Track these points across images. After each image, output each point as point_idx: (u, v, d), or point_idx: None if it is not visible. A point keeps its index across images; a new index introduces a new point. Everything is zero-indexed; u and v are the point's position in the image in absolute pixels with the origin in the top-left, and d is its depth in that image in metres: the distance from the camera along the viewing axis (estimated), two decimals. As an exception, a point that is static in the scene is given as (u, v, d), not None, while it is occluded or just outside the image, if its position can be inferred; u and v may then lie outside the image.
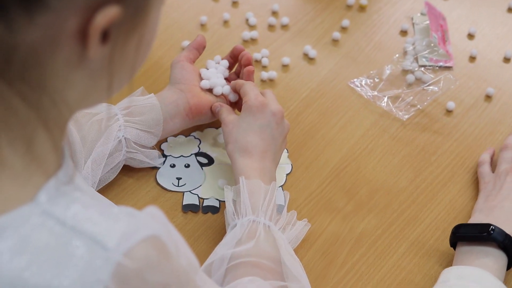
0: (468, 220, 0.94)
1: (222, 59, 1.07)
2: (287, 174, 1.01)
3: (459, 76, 1.14)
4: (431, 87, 1.12)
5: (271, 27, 1.20)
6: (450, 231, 0.92)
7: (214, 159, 1.03)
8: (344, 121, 1.08)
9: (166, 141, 1.04)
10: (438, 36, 1.17)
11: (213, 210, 0.98)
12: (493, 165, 1.01)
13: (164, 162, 1.02)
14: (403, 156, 1.04)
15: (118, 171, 0.98)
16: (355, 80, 1.13)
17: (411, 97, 1.10)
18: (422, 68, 1.14)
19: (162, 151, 1.03)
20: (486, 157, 1.02)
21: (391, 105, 1.09)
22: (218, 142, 1.04)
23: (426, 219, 0.98)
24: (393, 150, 1.05)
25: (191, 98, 1.00)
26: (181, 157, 1.03)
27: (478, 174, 1.01)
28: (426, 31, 1.19)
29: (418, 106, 1.10)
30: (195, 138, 1.05)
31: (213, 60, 1.06)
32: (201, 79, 1.03)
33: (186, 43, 1.16)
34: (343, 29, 1.20)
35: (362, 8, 1.22)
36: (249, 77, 1.02)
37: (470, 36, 1.19)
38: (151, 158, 0.99)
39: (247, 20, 1.20)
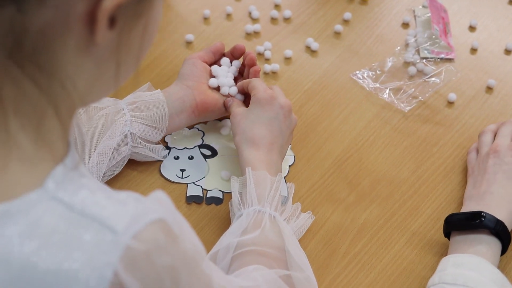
0: (461, 208, 0.95)
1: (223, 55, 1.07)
2: (290, 166, 1.02)
3: (461, 68, 1.15)
4: (432, 79, 1.12)
5: (273, 20, 1.20)
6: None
7: (218, 151, 1.04)
8: (346, 113, 1.09)
9: (170, 133, 1.04)
10: (439, 28, 1.17)
11: (217, 201, 0.99)
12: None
13: (168, 154, 1.02)
14: (404, 147, 1.05)
15: (123, 166, 0.99)
16: (357, 72, 1.13)
17: (413, 89, 1.11)
18: (424, 60, 1.15)
19: (166, 143, 1.04)
20: (474, 145, 1.03)
21: (392, 97, 1.10)
22: (221, 134, 1.05)
23: (427, 210, 0.98)
24: (394, 141, 1.06)
25: (198, 95, 1.01)
26: (185, 149, 1.03)
27: (466, 162, 1.02)
28: (428, 23, 1.19)
29: (420, 98, 1.10)
30: (198, 130, 1.06)
31: (222, 62, 1.07)
32: (211, 76, 1.04)
33: (189, 36, 1.17)
34: (345, 21, 1.20)
35: (364, 1, 1.23)
36: (255, 77, 1.03)
37: (471, 28, 1.20)
38: (156, 152, 1.00)
39: (250, 13, 1.21)
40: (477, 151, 1.01)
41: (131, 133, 0.97)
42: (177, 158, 1.02)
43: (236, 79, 1.06)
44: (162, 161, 1.02)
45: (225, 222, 0.96)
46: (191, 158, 1.03)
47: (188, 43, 1.17)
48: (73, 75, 0.58)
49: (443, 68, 1.14)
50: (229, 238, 0.87)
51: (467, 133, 1.07)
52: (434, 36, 1.17)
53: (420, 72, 1.13)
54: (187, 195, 0.99)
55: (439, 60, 1.15)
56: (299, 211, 0.94)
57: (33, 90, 0.57)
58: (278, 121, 0.95)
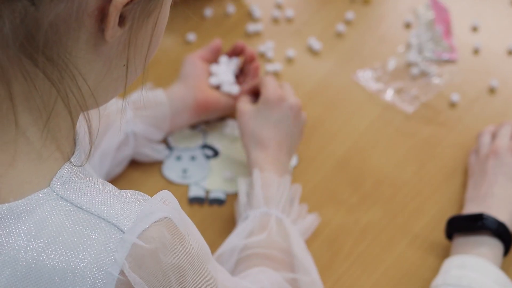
0: (462, 210, 0.95)
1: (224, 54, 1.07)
2: (293, 167, 1.02)
3: (463, 68, 1.14)
4: (435, 79, 1.12)
5: (275, 19, 1.20)
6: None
7: (220, 151, 1.03)
8: (349, 114, 1.08)
9: (171, 133, 1.04)
10: (442, 29, 1.17)
11: (219, 202, 0.98)
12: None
13: (169, 154, 1.02)
14: (407, 148, 1.05)
15: (125, 165, 0.99)
16: (360, 72, 1.13)
17: (415, 90, 1.11)
18: (426, 61, 1.14)
19: (167, 143, 1.03)
20: (475, 147, 1.03)
21: (395, 97, 1.10)
22: (224, 134, 1.05)
23: (430, 211, 0.98)
24: (397, 142, 1.05)
25: (199, 94, 1.00)
26: (187, 149, 1.03)
27: (467, 164, 1.02)
28: (430, 24, 1.19)
29: (422, 98, 1.10)
30: (200, 130, 1.05)
31: (221, 59, 1.06)
32: (211, 75, 1.04)
33: (190, 36, 1.17)
34: (348, 22, 1.20)
35: (366, 1, 1.23)
36: (256, 74, 1.03)
37: (474, 29, 1.20)
38: (158, 152, 1.00)
39: (251, 12, 1.20)
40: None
41: (133, 132, 0.96)
42: (179, 158, 1.02)
43: (237, 77, 1.06)
44: (164, 161, 1.01)
45: (228, 223, 0.96)
46: (193, 158, 1.02)
47: (189, 42, 1.17)
48: (83, 72, 0.59)
49: (446, 69, 1.14)
50: (234, 240, 0.86)
51: (469, 134, 1.06)
52: (436, 37, 1.17)
53: (423, 73, 1.13)
54: (189, 196, 0.99)
55: (441, 61, 1.15)
56: (305, 212, 0.94)
57: (44, 84, 0.57)
58: (287, 122, 0.94)
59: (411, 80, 1.12)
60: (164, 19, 0.63)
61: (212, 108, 1.02)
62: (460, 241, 0.90)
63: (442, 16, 1.19)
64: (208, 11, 1.20)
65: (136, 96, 0.98)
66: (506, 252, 0.90)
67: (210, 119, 1.05)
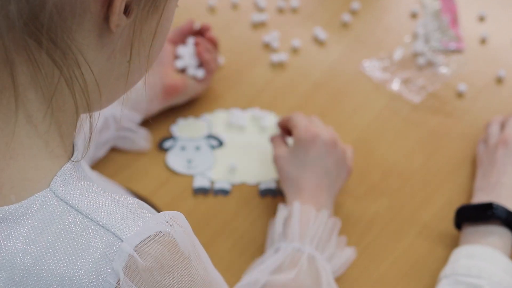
0: (471, 200, 0.94)
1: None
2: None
3: (470, 58, 1.13)
4: (442, 69, 1.11)
5: (280, 9, 1.19)
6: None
7: (225, 141, 1.02)
8: (355, 104, 1.07)
9: (176, 123, 1.03)
10: (448, 18, 1.16)
11: (224, 192, 0.97)
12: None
13: (174, 144, 1.01)
14: (414, 139, 1.04)
15: (108, 150, 0.99)
16: (366, 62, 1.12)
17: (422, 80, 1.10)
18: (433, 51, 1.13)
19: (171, 133, 1.02)
20: (483, 136, 1.02)
21: (402, 88, 1.09)
22: (229, 124, 1.04)
23: (438, 201, 0.97)
24: (404, 132, 1.04)
25: (165, 79, 1.00)
26: (192, 139, 1.02)
27: (476, 154, 1.01)
28: (437, 13, 1.18)
29: (429, 88, 1.09)
30: (205, 119, 1.04)
31: (189, 40, 1.06)
32: (177, 58, 1.04)
33: (194, 25, 1.15)
34: (353, 11, 1.19)
35: (372, -9, 1.22)
36: (214, 44, 1.04)
37: (481, 18, 1.18)
38: (139, 136, 0.99)
39: (256, 3, 1.19)
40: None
41: (113, 115, 0.96)
42: (183, 148, 1.01)
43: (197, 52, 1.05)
44: (168, 151, 1.00)
45: (233, 214, 0.95)
46: (198, 148, 1.01)
47: (194, 32, 1.16)
48: (88, 60, 0.58)
49: (453, 59, 1.12)
50: (259, 274, 0.83)
51: (477, 124, 1.05)
52: (443, 27, 1.15)
53: (430, 63, 1.12)
54: (194, 187, 0.98)
55: (448, 50, 1.14)
56: (344, 245, 0.90)
57: (49, 72, 0.56)
58: (322, 161, 0.90)
59: (418, 70, 1.11)
60: (170, 18, 0.62)
61: (181, 92, 1.02)
62: (470, 230, 0.89)
63: (449, 6, 1.18)
64: (213, 1, 1.19)
65: None
66: None
67: (180, 102, 1.04)
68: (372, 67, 1.11)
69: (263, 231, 0.93)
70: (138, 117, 1.00)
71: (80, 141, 0.62)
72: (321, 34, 1.15)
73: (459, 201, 0.97)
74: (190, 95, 1.04)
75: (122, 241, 0.54)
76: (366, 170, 1.00)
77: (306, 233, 0.85)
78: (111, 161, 1.00)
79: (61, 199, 0.56)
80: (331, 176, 0.91)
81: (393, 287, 0.89)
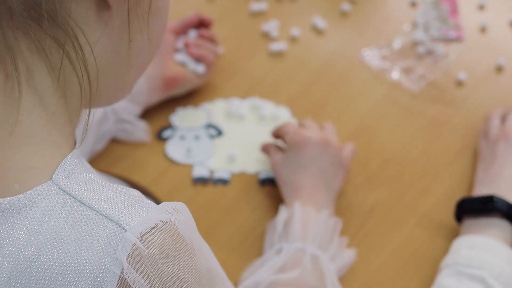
0: (472, 192, 0.94)
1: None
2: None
3: (470, 47, 1.13)
4: (441, 58, 1.11)
5: (279, -2, 1.19)
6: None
7: (224, 130, 1.02)
8: (355, 93, 1.07)
9: (175, 113, 1.03)
10: (448, 7, 1.16)
11: (224, 182, 0.97)
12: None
13: (173, 134, 1.01)
14: (414, 128, 1.03)
15: (107, 141, 0.99)
16: (365, 51, 1.12)
17: (422, 69, 1.09)
18: (433, 40, 1.13)
19: (170, 122, 1.02)
20: (483, 130, 1.01)
21: (401, 76, 1.09)
22: (228, 113, 1.03)
23: (438, 191, 0.97)
24: (404, 121, 1.04)
25: (165, 70, 1.00)
26: (191, 128, 1.02)
27: (477, 147, 1.01)
28: (436, 2, 1.18)
29: (429, 77, 1.09)
30: (204, 109, 1.04)
31: (190, 33, 1.06)
32: (177, 50, 1.04)
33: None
34: (352, 0, 1.18)
35: (371, -20, 1.21)
36: (213, 41, 1.04)
37: (480, 7, 1.18)
38: (138, 128, 0.99)
39: (255, -9, 1.19)
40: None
41: (112, 108, 0.96)
42: (183, 138, 1.01)
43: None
44: (167, 140, 1.00)
45: (233, 203, 0.95)
46: (197, 138, 1.01)
47: (193, 22, 1.15)
48: (90, 41, 0.58)
49: (452, 48, 1.12)
50: (262, 274, 0.83)
51: (477, 112, 1.05)
52: (442, 15, 1.15)
53: (429, 52, 1.12)
54: (194, 176, 0.97)
55: (448, 39, 1.13)
56: (344, 246, 0.90)
57: (54, 48, 0.56)
58: (316, 161, 0.91)
59: (418, 59, 1.11)
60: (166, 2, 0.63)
61: (180, 83, 1.02)
62: (470, 223, 0.89)
63: (449, -5, 1.18)
64: (211, -10, 1.19)
65: None
66: None
67: (179, 93, 1.04)
68: (372, 56, 1.11)
69: (263, 220, 0.93)
70: (138, 109, 1.00)
71: (78, 131, 0.62)
72: (320, 23, 1.14)
73: (458, 190, 0.97)
74: (189, 87, 1.04)
75: (126, 231, 0.54)
76: (366, 159, 1.00)
77: (308, 233, 0.85)
78: (110, 152, 1.00)
79: (64, 191, 0.56)
80: (328, 175, 0.91)
81: (392, 276, 0.89)
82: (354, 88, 1.08)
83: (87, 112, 0.61)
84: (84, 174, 0.58)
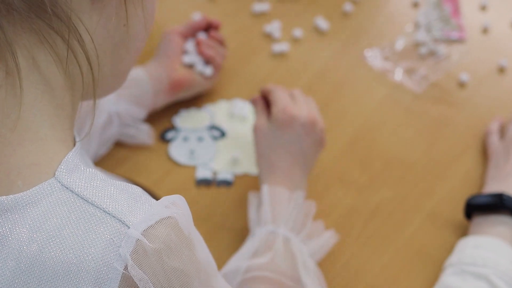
0: (482, 190, 0.94)
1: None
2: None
3: (472, 48, 1.13)
4: (444, 59, 1.11)
5: (281, -1, 1.19)
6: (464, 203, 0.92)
7: (227, 131, 1.02)
8: (357, 94, 1.07)
9: (178, 114, 1.03)
10: (450, 8, 1.16)
11: (227, 183, 0.97)
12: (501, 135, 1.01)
13: (176, 135, 1.01)
14: (417, 128, 1.03)
15: (111, 145, 0.99)
16: (368, 52, 1.12)
17: (424, 69, 1.10)
18: (435, 40, 1.13)
19: (173, 124, 1.02)
20: (493, 126, 1.01)
21: (404, 77, 1.09)
22: (231, 114, 1.04)
23: (440, 191, 0.97)
24: (406, 122, 1.04)
25: (172, 73, 1.00)
26: (194, 130, 1.02)
27: (485, 143, 1.00)
28: (438, 3, 1.18)
29: (431, 78, 1.09)
30: (207, 110, 1.04)
31: (198, 35, 1.05)
32: (185, 52, 1.03)
33: (195, 15, 1.15)
34: (355, 1, 1.18)
35: (373, -20, 1.21)
36: (222, 43, 1.04)
37: (482, 7, 1.18)
38: (142, 132, 0.99)
39: (257, -8, 1.19)
40: (498, 133, 1.00)
41: (117, 112, 0.96)
42: (186, 139, 1.01)
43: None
44: (170, 142, 1.00)
45: (236, 205, 0.95)
46: (200, 139, 1.01)
47: (195, 23, 1.15)
48: (88, 29, 0.58)
49: (454, 48, 1.12)
50: (238, 261, 0.82)
51: (479, 113, 1.05)
52: (445, 16, 1.15)
53: (431, 53, 1.12)
54: (197, 178, 0.97)
55: (450, 40, 1.14)
56: (322, 229, 0.89)
57: (52, 45, 0.56)
58: (299, 142, 0.89)
59: (420, 59, 1.11)
60: None
61: (186, 86, 1.01)
62: (479, 220, 0.89)
63: (450, -5, 1.18)
64: (213, -9, 1.19)
65: None
66: None
67: (186, 97, 1.04)
68: (374, 57, 1.11)
69: (267, 221, 0.93)
70: (143, 112, 0.99)
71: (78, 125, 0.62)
72: (323, 24, 1.14)
73: (461, 190, 0.97)
74: (196, 91, 1.03)
75: (129, 227, 0.55)
76: (368, 159, 1.00)
77: (279, 215, 0.85)
78: (113, 153, 1.00)
79: (67, 188, 0.56)
80: (307, 156, 0.90)
81: (396, 275, 0.90)
82: (356, 89, 1.08)
83: (90, 107, 0.61)
84: (87, 170, 0.58)
